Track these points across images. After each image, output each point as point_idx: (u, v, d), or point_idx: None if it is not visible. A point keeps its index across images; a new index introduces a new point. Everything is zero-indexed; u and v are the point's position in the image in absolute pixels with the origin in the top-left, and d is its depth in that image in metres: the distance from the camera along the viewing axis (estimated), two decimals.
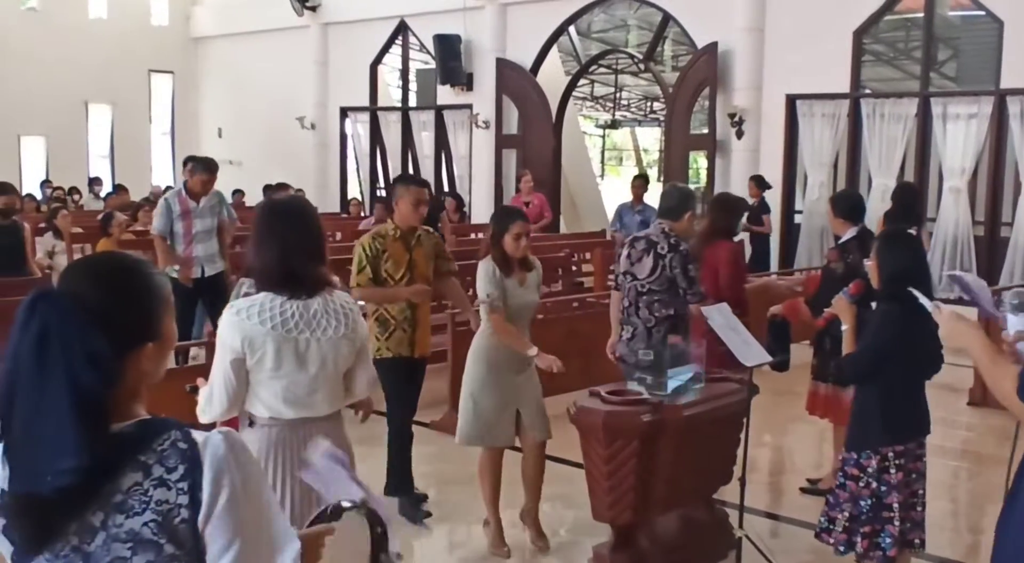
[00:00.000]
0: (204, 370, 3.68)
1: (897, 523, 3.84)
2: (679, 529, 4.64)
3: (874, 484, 3.85)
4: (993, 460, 6.47)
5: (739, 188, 12.23)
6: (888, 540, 3.85)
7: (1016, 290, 2.87)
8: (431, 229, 5.51)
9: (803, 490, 5.82)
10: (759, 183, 11.29)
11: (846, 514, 3.94)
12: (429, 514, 5.26)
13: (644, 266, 5.07)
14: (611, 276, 5.56)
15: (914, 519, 3.95)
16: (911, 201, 8.77)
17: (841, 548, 3.99)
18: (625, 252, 5.24)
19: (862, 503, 3.88)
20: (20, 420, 1.53)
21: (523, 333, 4.81)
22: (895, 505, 3.83)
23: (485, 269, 4.71)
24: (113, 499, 1.55)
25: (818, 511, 5.41)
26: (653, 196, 11.12)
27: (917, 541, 3.99)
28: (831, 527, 4.02)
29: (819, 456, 6.54)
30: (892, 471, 3.83)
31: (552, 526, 4.98)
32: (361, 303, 4.36)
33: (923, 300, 2.89)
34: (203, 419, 3.09)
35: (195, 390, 3.22)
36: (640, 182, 11.06)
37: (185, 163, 8.41)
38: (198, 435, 1.63)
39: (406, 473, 5.31)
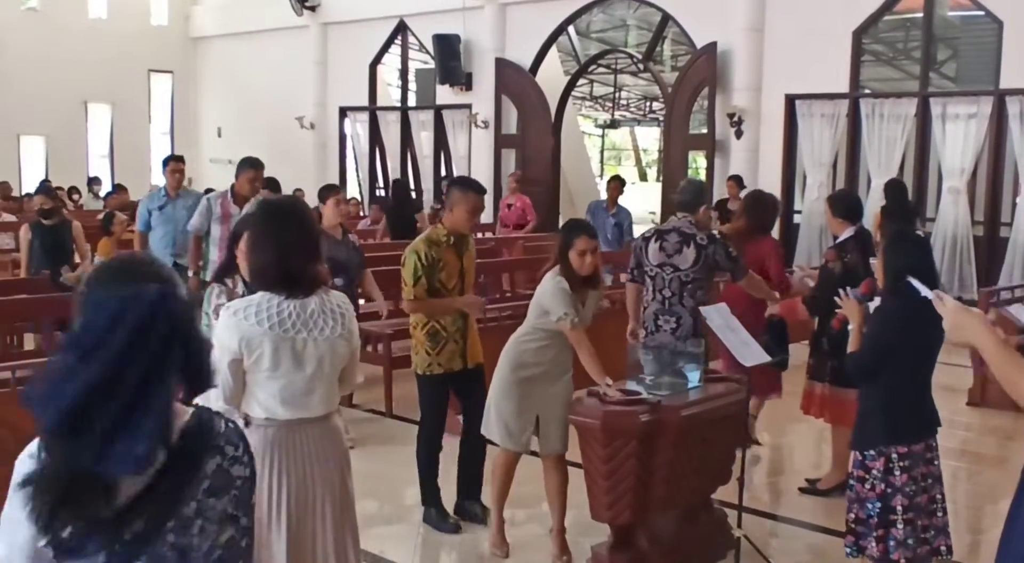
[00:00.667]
0: None
1: (901, 526, 3.81)
2: (678, 529, 4.64)
3: (881, 486, 3.84)
4: (992, 460, 6.47)
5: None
6: (892, 543, 3.83)
7: None
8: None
9: (802, 490, 5.81)
10: (739, 182, 11.29)
11: (852, 515, 3.93)
12: (458, 526, 5.08)
13: (686, 257, 5.25)
14: (628, 270, 5.60)
15: (936, 525, 3.92)
16: (904, 197, 8.79)
17: (848, 550, 3.97)
18: (655, 246, 5.32)
19: (869, 505, 3.87)
20: (114, 410, 1.53)
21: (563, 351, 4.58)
22: (899, 508, 3.82)
23: (557, 286, 4.41)
24: (202, 486, 1.65)
25: (817, 511, 5.44)
26: (629, 199, 11.14)
27: (944, 547, 3.96)
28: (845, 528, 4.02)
29: (818, 456, 6.53)
30: (896, 473, 3.82)
31: (550, 525, 4.97)
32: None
33: (923, 290, 2.79)
34: None
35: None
36: (616, 183, 10.74)
37: (165, 163, 8.30)
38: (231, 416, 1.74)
39: (434, 484, 5.13)
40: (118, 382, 1.54)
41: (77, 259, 8.72)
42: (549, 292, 4.44)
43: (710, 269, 5.30)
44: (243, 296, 3.51)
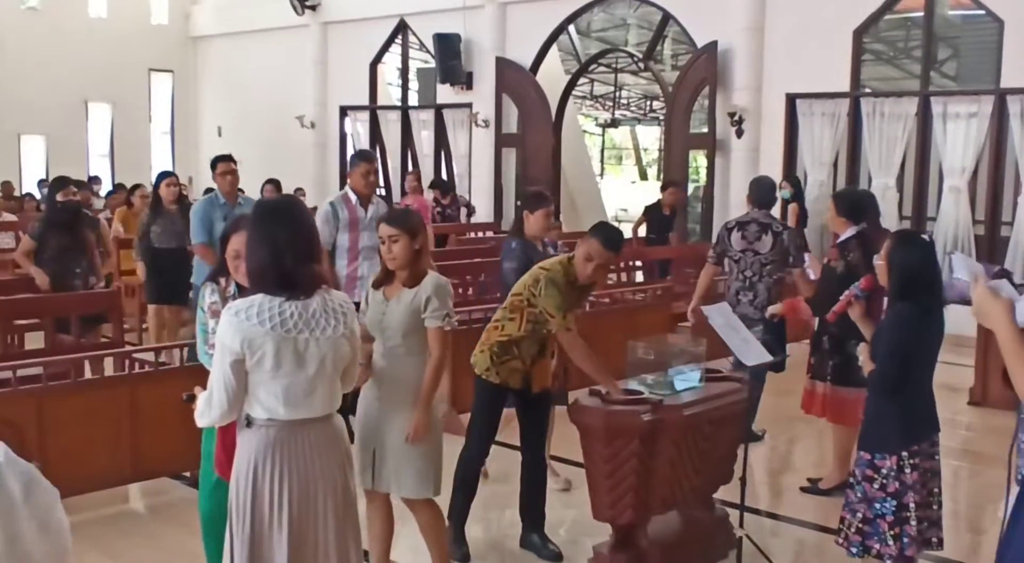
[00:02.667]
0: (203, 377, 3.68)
1: (914, 523, 3.83)
2: (679, 529, 4.64)
3: (893, 485, 3.83)
4: (993, 460, 6.46)
5: (737, 188, 12.24)
6: (906, 540, 3.84)
7: None
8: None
9: (803, 489, 5.82)
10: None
11: (859, 515, 3.92)
12: (466, 557, 4.77)
13: (765, 243, 6.38)
14: (711, 252, 6.70)
15: (931, 518, 3.94)
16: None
17: (853, 550, 3.97)
18: (737, 234, 6.45)
19: (878, 505, 3.86)
20: None
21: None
22: (911, 505, 3.83)
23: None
24: None
25: (819, 511, 5.44)
26: (629, 198, 11.14)
27: (935, 540, 3.98)
28: (842, 527, 4.01)
29: (819, 455, 6.53)
30: (908, 471, 3.82)
31: (552, 525, 4.98)
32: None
33: (959, 269, 2.85)
34: (201, 423, 3.08)
35: (192, 398, 3.21)
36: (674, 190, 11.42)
37: (214, 164, 7.49)
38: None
39: (461, 501, 4.80)
40: None
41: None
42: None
43: (784, 253, 6.33)
44: (233, 297, 3.51)
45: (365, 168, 6.53)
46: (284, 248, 2.97)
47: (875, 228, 6.11)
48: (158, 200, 8.42)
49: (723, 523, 4.76)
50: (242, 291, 3.56)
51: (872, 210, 6.38)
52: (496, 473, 5.76)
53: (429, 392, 3.96)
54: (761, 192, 6.61)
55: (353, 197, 6.48)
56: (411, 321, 3.95)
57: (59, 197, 7.45)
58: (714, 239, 6.96)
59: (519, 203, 6.22)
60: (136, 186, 11.00)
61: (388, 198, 13.60)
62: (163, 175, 8.59)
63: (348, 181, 6.66)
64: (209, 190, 8.22)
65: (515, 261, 5.41)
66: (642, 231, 11.60)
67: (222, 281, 3.71)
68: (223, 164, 7.38)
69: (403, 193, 14.28)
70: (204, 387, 3.18)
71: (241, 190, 7.71)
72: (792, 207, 11.21)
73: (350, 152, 17.42)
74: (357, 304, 5.95)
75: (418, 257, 3.99)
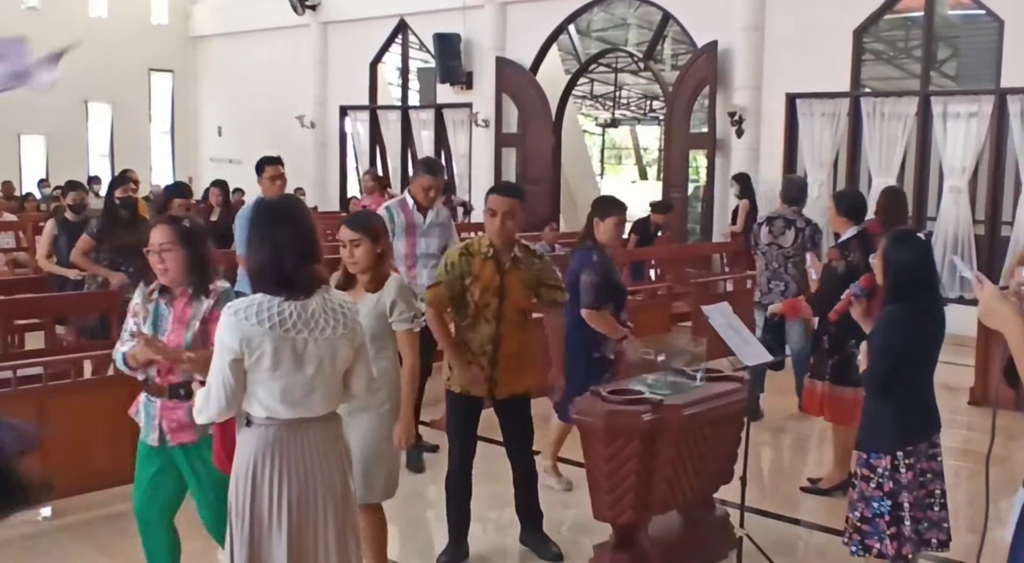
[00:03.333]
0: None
1: (908, 523, 3.82)
2: (680, 529, 4.64)
3: (888, 485, 3.83)
4: (994, 459, 6.46)
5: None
6: (905, 540, 3.84)
7: None
8: (543, 253, 4.76)
9: (804, 489, 5.82)
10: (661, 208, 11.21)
11: (857, 514, 3.92)
12: None
13: (787, 238, 7.02)
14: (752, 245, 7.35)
15: (931, 519, 3.93)
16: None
17: (853, 549, 3.97)
18: (765, 229, 7.11)
19: (875, 504, 3.86)
20: None
21: None
22: (906, 505, 3.82)
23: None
24: None
25: (819, 510, 5.44)
26: (629, 197, 11.13)
27: (935, 541, 3.97)
28: (846, 527, 4.01)
29: (820, 455, 6.54)
30: (902, 471, 3.81)
31: (553, 525, 4.97)
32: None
33: (964, 271, 2.80)
34: (200, 420, 3.09)
35: (188, 395, 3.22)
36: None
37: (261, 167, 6.89)
38: None
39: (453, 517, 4.69)
40: None
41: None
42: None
43: (803, 248, 6.88)
44: (151, 297, 3.57)
45: (428, 182, 6.11)
46: (284, 248, 2.97)
47: (902, 225, 6.11)
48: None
49: (723, 523, 4.76)
50: (164, 291, 3.59)
51: (901, 210, 6.36)
52: (493, 473, 5.76)
53: (409, 398, 3.95)
54: (791, 190, 7.35)
55: (411, 202, 6.16)
56: (377, 325, 3.88)
57: (118, 193, 7.06)
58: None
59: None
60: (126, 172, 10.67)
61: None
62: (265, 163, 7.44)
63: (408, 186, 6.36)
64: (226, 191, 8.09)
65: (597, 275, 5.19)
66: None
67: (150, 283, 3.68)
68: (272, 167, 6.84)
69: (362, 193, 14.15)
70: (202, 382, 3.19)
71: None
72: (743, 203, 11.27)
73: (350, 152, 17.46)
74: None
75: (380, 260, 3.94)
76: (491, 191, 4.57)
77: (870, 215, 6.02)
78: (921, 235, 4.19)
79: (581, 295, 5.18)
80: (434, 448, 6.15)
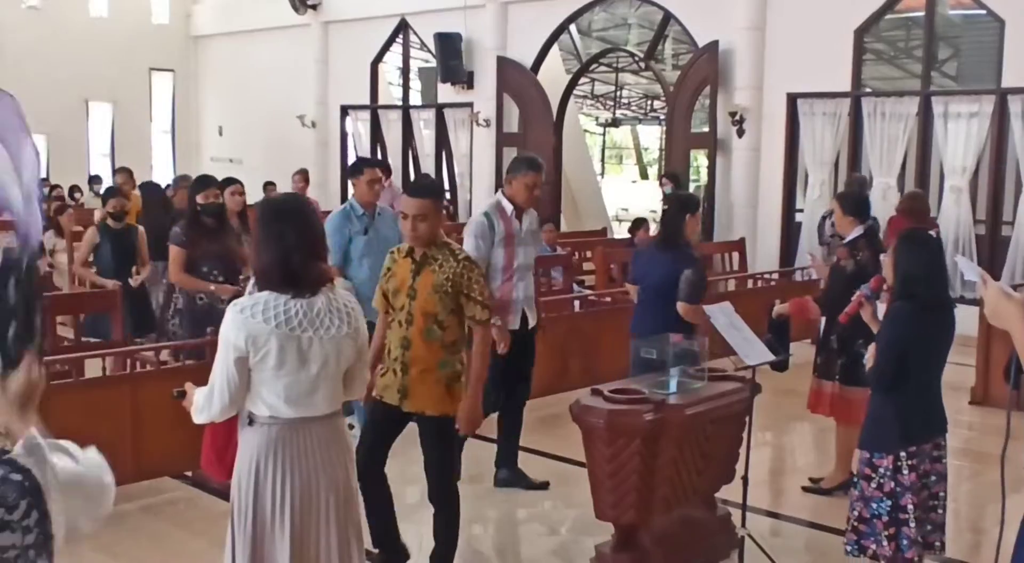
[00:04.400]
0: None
1: (912, 525, 3.82)
2: (682, 528, 4.63)
3: (889, 485, 3.83)
4: (994, 459, 6.45)
5: (738, 187, 12.25)
6: (905, 542, 3.83)
7: None
8: (466, 255, 4.26)
9: (805, 489, 5.82)
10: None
11: (855, 513, 3.92)
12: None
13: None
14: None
15: (934, 521, 3.93)
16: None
17: (848, 548, 3.96)
18: (828, 222, 7.84)
19: (875, 505, 3.85)
20: None
21: None
22: (909, 507, 3.81)
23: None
24: None
25: (821, 510, 5.44)
26: (629, 196, 11.07)
27: (938, 543, 3.97)
28: (847, 526, 4.00)
29: (821, 455, 6.53)
30: (905, 472, 3.81)
31: (554, 525, 4.98)
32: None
33: (967, 271, 2.78)
34: (200, 419, 3.08)
35: (182, 395, 3.20)
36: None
37: (358, 170, 6.19)
38: (33, 463, 1.43)
39: (383, 540, 4.43)
40: None
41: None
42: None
43: None
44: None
45: (533, 179, 5.36)
46: (291, 246, 2.97)
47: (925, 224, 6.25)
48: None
49: (725, 523, 4.76)
50: None
51: (923, 211, 6.88)
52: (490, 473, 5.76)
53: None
54: (852, 185, 8.35)
55: (508, 207, 5.39)
56: None
57: (199, 199, 6.24)
58: None
59: (665, 208, 5.89)
60: (118, 170, 10.64)
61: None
62: (228, 181, 6.91)
63: (503, 188, 5.55)
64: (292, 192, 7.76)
65: (700, 273, 5.30)
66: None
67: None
68: (371, 171, 6.16)
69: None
70: (195, 383, 3.18)
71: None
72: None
73: (351, 152, 17.43)
74: (514, 334, 5.34)
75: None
76: (404, 190, 4.35)
77: (874, 212, 6.15)
78: (932, 234, 4.19)
79: (682, 290, 5.17)
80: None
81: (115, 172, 10.69)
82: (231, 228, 6.44)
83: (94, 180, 16.51)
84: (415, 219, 4.03)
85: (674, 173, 12.13)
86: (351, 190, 6.37)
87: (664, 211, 5.91)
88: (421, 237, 4.06)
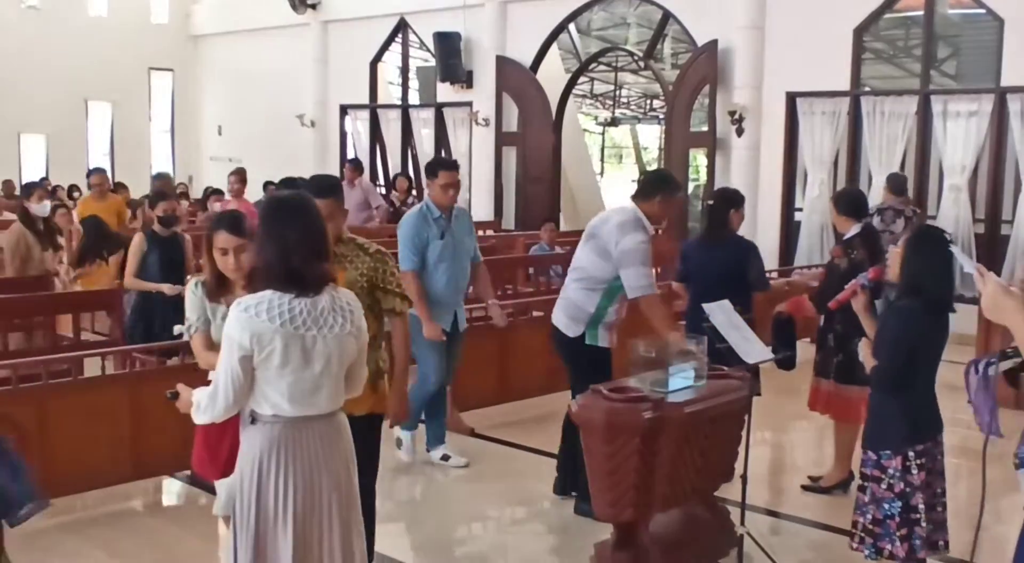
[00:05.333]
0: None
1: (924, 524, 3.81)
2: (681, 527, 4.64)
3: (899, 486, 3.82)
4: (994, 458, 6.46)
5: (737, 186, 12.21)
6: (917, 542, 3.81)
7: None
8: (378, 248, 4.12)
9: (805, 488, 5.82)
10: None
11: (869, 517, 3.89)
12: None
13: (899, 225, 8.17)
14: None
15: (936, 520, 3.92)
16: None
17: (866, 552, 3.94)
18: (877, 218, 8.16)
19: (886, 505, 3.84)
20: None
21: None
22: (920, 506, 3.80)
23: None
24: None
25: (820, 509, 5.44)
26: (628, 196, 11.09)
27: (941, 543, 3.96)
28: (854, 530, 3.98)
29: (821, 454, 6.53)
30: (914, 472, 3.80)
31: (553, 523, 4.98)
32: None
33: (964, 262, 2.73)
34: (203, 419, 3.06)
35: (175, 396, 3.19)
36: None
37: (433, 172, 5.89)
38: None
39: None
40: None
41: None
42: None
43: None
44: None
45: (667, 202, 5.20)
46: (294, 245, 2.96)
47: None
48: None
49: (724, 521, 4.76)
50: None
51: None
52: (495, 471, 5.76)
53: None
54: (897, 183, 8.98)
55: (649, 227, 5.15)
56: None
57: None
58: None
59: (710, 203, 6.00)
60: (93, 170, 10.29)
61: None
62: (439, 166, 6.27)
63: (641, 206, 5.19)
64: (216, 191, 7.73)
65: (761, 260, 5.85)
66: None
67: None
68: (448, 173, 5.85)
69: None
70: (188, 384, 3.18)
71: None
72: None
73: (350, 151, 17.45)
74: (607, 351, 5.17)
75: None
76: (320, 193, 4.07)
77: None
78: (948, 235, 4.18)
79: (757, 281, 5.76)
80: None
81: (90, 173, 10.25)
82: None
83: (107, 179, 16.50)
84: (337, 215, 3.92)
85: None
86: (426, 191, 6.08)
87: (711, 207, 6.09)
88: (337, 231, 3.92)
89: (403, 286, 4.12)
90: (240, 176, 10.21)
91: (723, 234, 5.80)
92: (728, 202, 5.83)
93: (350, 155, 17.60)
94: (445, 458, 6.02)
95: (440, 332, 5.76)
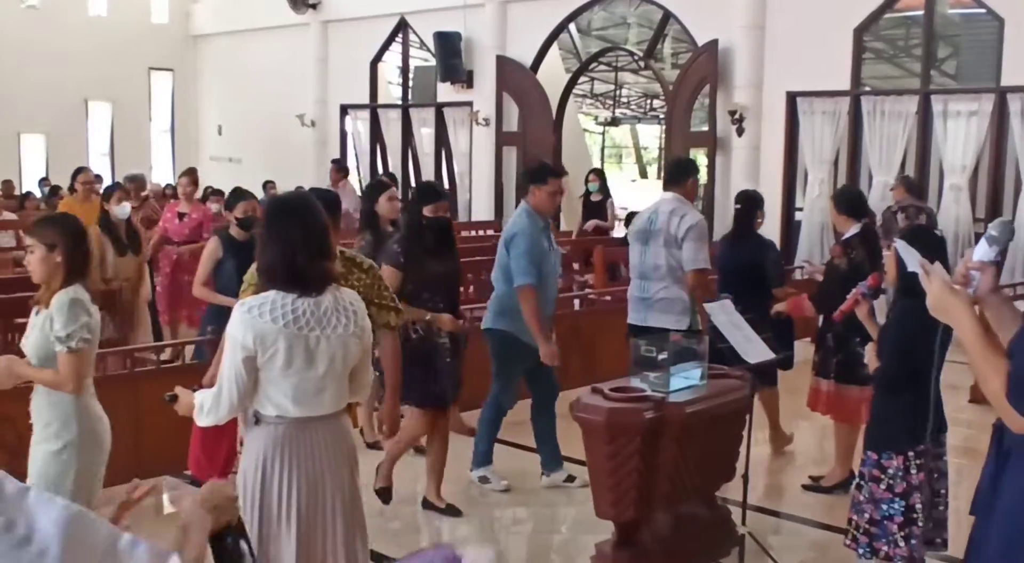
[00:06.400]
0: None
1: (921, 523, 3.81)
2: (682, 526, 4.63)
3: (901, 485, 3.81)
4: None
5: (738, 186, 12.23)
6: (914, 542, 3.82)
7: (1000, 220, 2.48)
8: (370, 263, 4.08)
9: (805, 487, 5.82)
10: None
11: (866, 516, 3.89)
12: None
13: (922, 220, 7.96)
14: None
15: (936, 518, 3.92)
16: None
17: (860, 551, 3.94)
18: (901, 215, 8.03)
19: (885, 506, 3.83)
20: None
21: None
22: (918, 506, 3.80)
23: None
24: None
25: (821, 508, 5.44)
26: (629, 195, 11.16)
27: (939, 540, 3.96)
28: (849, 528, 3.98)
29: (821, 453, 6.53)
30: (914, 472, 3.80)
31: (554, 522, 4.98)
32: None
33: (907, 257, 2.66)
34: (207, 421, 3.04)
35: (173, 398, 3.17)
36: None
37: (542, 178, 5.56)
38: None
39: None
40: None
41: None
42: None
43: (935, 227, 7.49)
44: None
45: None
46: (297, 245, 2.96)
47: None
48: (374, 219, 5.99)
49: (725, 521, 4.76)
50: None
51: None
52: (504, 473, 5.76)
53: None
54: (913, 184, 9.19)
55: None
56: (43, 347, 3.59)
57: (427, 211, 5.22)
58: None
59: (737, 206, 6.45)
60: (79, 169, 9.70)
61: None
62: (382, 185, 6.10)
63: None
64: (217, 191, 7.63)
65: (780, 257, 6.56)
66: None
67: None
68: (557, 180, 5.58)
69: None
70: (186, 387, 3.17)
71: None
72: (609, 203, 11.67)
73: (351, 151, 17.45)
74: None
75: (56, 271, 3.58)
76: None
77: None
78: (938, 233, 4.19)
79: (775, 276, 6.22)
80: None
81: (76, 172, 9.69)
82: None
83: (95, 180, 16.49)
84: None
85: (601, 170, 12.77)
86: (527, 197, 5.59)
87: (738, 209, 6.47)
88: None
89: (392, 298, 4.05)
90: (192, 178, 9.44)
91: (750, 233, 6.34)
92: (754, 203, 6.36)
93: (350, 155, 17.60)
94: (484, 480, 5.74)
95: (557, 353, 5.46)
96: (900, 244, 3.04)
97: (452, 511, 5.17)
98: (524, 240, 5.37)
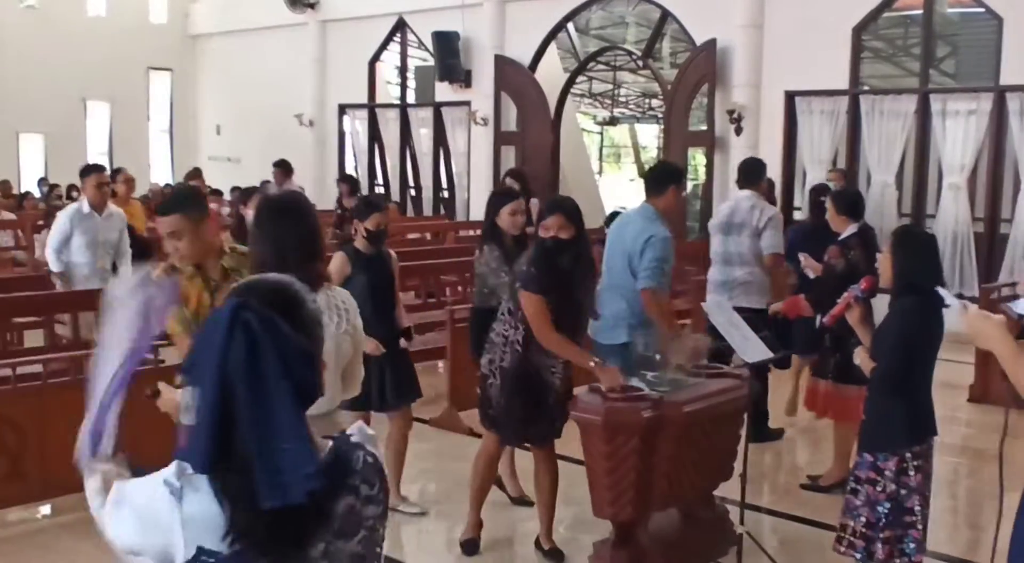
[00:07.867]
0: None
1: (920, 527, 3.80)
2: (680, 526, 4.64)
3: (893, 487, 3.80)
4: (993, 456, 6.46)
5: (736, 185, 12.23)
6: (912, 546, 3.78)
7: None
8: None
9: (804, 487, 5.82)
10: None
11: (862, 519, 3.86)
12: None
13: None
14: None
15: (924, 520, 3.92)
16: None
17: (858, 556, 3.92)
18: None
19: (879, 508, 3.82)
20: (252, 437, 1.50)
21: None
22: (916, 508, 3.79)
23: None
24: (333, 525, 1.57)
25: (819, 508, 5.44)
26: (628, 195, 11.12)
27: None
28: (843, 534, 3.95)
29: (820, 453, 6.54)
30: (911, 473, 3.78)
31: (554, 522, 4.97)
32: None
33: (949, 299, 2.90)
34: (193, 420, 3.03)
35: (156, 394, 3.17)
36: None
37: (663, 183, 5.32)
38: (372, 446, 1.67)
39: None
40: (231, 408, 1.51)
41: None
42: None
43: None
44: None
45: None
46: (288, 244, 2.97)
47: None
48: (495, 230, 5.34)
49: (723, 520, 4.76)
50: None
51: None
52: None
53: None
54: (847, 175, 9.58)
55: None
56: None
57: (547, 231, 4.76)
58: None
59: (821, 199, 6.43)
60: (117, 170, 9.35)
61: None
62: (511, 195, 5.57)
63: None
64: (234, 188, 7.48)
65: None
66: None
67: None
68: (677, 187, 5.39)
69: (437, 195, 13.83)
70: (169, 383, 3.17)
71: None
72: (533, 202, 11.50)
73: (349, 150, 17.45)
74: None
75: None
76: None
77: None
78: (929, 231, 4.20)
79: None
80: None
81: (90, 170, 7.98)
82: (390, 259, 5.22)
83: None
84: (170, 237, 3.55)
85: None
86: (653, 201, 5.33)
87: (821, 201, 6.59)
88: (185, 255, 3.55)
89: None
90: (125, 177, 8.69)
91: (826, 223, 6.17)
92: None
93: (348, 154, 17.61)
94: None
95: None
96: (943, 291, 3.24)
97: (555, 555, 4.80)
98: (663, 244, 5.07)
